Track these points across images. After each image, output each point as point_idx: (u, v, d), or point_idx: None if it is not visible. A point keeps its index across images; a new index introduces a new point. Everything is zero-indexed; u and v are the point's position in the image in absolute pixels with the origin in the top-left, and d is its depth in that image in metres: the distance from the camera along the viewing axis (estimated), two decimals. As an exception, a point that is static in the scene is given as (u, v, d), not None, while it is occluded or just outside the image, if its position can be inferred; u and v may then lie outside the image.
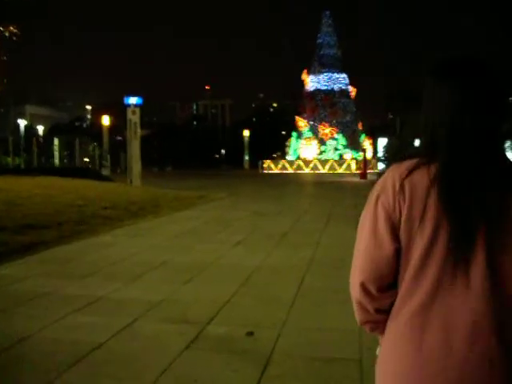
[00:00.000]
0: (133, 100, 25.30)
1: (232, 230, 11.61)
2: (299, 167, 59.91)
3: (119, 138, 76.84)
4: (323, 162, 59.07)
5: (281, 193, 25.08)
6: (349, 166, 56.72)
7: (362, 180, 37.42)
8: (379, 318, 1.55)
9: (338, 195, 22.88)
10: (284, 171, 59.63)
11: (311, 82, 64.89)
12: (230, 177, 45.24)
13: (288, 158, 63.85)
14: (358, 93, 66.04)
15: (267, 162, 62.45)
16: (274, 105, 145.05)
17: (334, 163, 58.17)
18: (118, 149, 63.06)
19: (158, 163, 79.02)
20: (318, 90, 64.11)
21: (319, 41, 65.25)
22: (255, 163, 66.40)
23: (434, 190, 1.41)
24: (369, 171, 42.14)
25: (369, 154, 52.32)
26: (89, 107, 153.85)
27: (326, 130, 62.55)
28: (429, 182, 1.43)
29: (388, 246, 1.48)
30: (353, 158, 59.07)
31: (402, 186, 1.46)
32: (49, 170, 29.28)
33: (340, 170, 56.30)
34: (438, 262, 1.41)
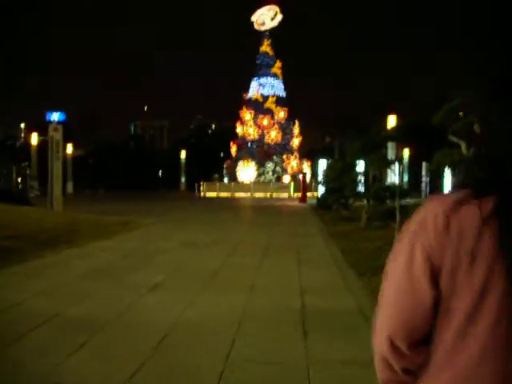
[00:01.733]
0: (55, 116, 23.48)
1: (152, 267, 9.79)
2: (237, 190, 58.36)
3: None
4: (261, 185, 57.67)
5: (215, 219, 23.38)
6: (287, 189, 55.48)
7: (302, 204, 36.19)
8: (406, 380, 1.31)
9: (276, 221, 21.38)
10: (221, 194, 58.00)
11: (250, 103, 63.74)
12: (164, 200, 43.21)
13: (225, 180, 62.31)
14: (298, 113, 65.51)
15: (204, 185, 60.63)
16: (213, 126, 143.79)
17: (272, 186, 56.85)
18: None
19: (90, 185, 76.22)
20: (257, 111, 62.94)
21: (258, 62, 64.36)
22: (192, 185, 64.74)
23: (488, 230, 1.15)
24: (308, 194, 41.10)
25: (307, 177, 51.30)
26: (22, 125, 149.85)
27: (264, 151, 61.31)
28: (481, 220, 1.16)
29: (426, 293, 1.23)
30: (291, 181, 57.98)
31: (446, 224, 1.19)
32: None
33: (278, 194, 54.96)
34: (490, 315, 1.15)
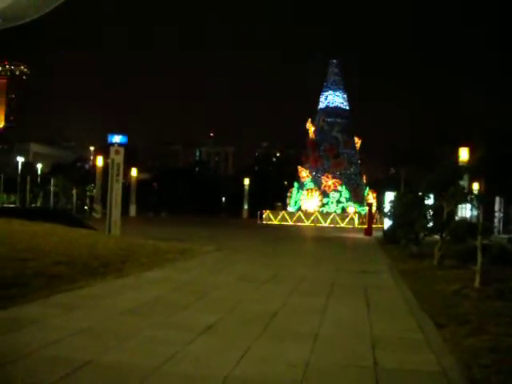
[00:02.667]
0: (117, 138, 22.88)
1: (205, 305, 8.89)
2: (300, 219, 57.21)
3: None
4: (325, 215, 56.38)
5: (277, 250, 22.39)
6: (352, 220, 54.00)
7: (367, 236, 34.79)
8: None
9: (342, 256, 20.29)
10: (284, 223, 56.99)
11: (315, 132, 62.81)
12: (226, 226, 42.65)
13: (289, 209, 61.31)
14: (362, 144, 63.96)
15: (267, 212, 59.77)
16: (277, 154, 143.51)
17: (337, 217, 55.46)
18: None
19: (154, 208, 76.65)
20: (322, 140, 61.89)
21: (325, 89, 63.49)
22: (255, 213, 64.04)
23: None
24: (373, 227, 39.65)
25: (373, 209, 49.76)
26: (92, 148, 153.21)
27: (329, 181, 60.08)
28: None
29: None
30: (356, 212, 56.44)
31: None
32: (9, 212, 26.61)
33: (342, 224, 53.54)
34: None
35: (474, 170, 12.30)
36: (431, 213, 16.37)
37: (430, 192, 16.88)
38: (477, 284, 10.40)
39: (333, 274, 13.68)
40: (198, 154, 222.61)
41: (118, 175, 22.00)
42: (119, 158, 22.01)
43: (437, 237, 17.88)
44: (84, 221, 28.69)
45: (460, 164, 30.87)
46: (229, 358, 5.74)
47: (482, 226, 11.01)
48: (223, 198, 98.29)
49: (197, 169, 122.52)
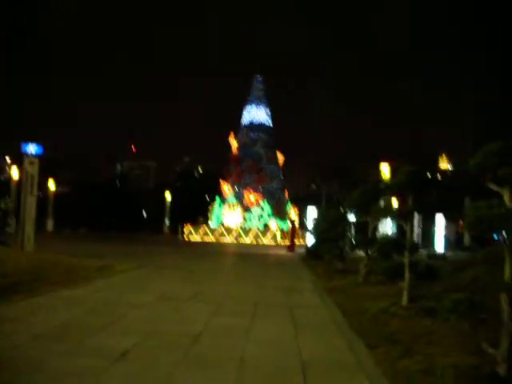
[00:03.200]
0: (31, 148, 21.58)
1: (123, 327, 8.22)
2: (222, 235, 56.64)
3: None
4: (247, 231, 56.02)
5: (199, 266, 21.76)
6: (274, 236, 53.86)
7: (290, 253, 34.63)
8: None
9: (265, 272, 19.86)
10: (205, 239, 56.25)
11: (239, 147, 62.55)
12: (147, 243, 41.51)
13: (210, 224, 60.57)
14: (285, 160, 64.11)
15: (188, 228, 58.82)
16: (200, 169, 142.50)
17: (259, 232, 55.20)
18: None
19: (71, 224, 74.04)
20: (245, 155, 61.66)
21: (248, 104, 63.38)
22: (177, 228, 62.97)
23: None
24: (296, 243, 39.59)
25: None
26: (7, 158, 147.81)
27: (250, 196, 59.85)
28: None
29: None
30: (279, 229, 56.37)
31: None
32: None
33: (265, 241, 53.29)
34: None
35: (395, 187, 12.13)
36: (354, 229, 16.23)
37: (353, 208, 16.74)
38: (404, 302, 10.20)
39: (256, 293, 13.18)
40: (119, 168, 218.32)
41: (31, 187, 20.80)
42: (34, 170, 20.81)
43: (360, 253, 17.81)
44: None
45: (383, 181, 31.31)
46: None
47: (410, 243, 10.85)
48: (144, 214, 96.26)
49: (117, 183, 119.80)
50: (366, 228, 16.50)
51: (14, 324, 8.12)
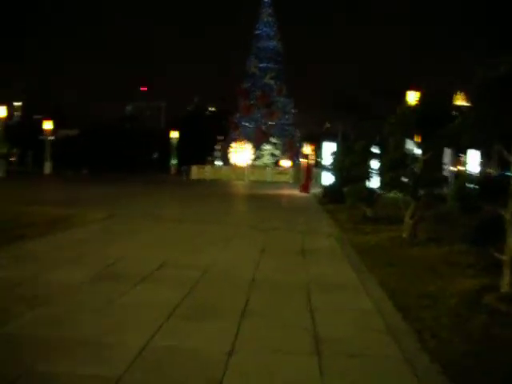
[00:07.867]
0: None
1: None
2: (229, 174, 52.40)
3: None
4: (257, 170, 51.52)
5: (197, 214, 17.25)
6: (286, 174, 49.41)
7: (304, 194, 30.38)
8: None
9: (274, 223, 15.19)
10: (213, 178, 52.15)
11: (246, 78, 57.59)
12: (147, 183, 37.51)
13: (217, 163, 56.45)
14: (296, 95, 59.53)
15: (194, 168, 54.56)
16: (211, 108, 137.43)
17: (269, 170, 50.69)
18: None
19: (74, 166, 70.39)
20: (253, 87, 56.75)
21: (257, 32, 57.88)
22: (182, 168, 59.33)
23: None
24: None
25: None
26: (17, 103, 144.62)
27: (261, 132, 55.46)
28: None
29: None
30: (291, 166, 52.03)
31: None
32: None
33: (275, 179, 48.66)
34: None
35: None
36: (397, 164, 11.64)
37: (402, 135, 12.07)
38: (506, 285, 5.86)
39: (256, 259, 8.90)
40: (130, 109, 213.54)
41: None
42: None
43: (393, 195, 13.71)
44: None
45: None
46: None
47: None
48: (155, 154, 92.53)
49: (126, 123, 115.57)
50: (406, 163, 12.03)
51: None
